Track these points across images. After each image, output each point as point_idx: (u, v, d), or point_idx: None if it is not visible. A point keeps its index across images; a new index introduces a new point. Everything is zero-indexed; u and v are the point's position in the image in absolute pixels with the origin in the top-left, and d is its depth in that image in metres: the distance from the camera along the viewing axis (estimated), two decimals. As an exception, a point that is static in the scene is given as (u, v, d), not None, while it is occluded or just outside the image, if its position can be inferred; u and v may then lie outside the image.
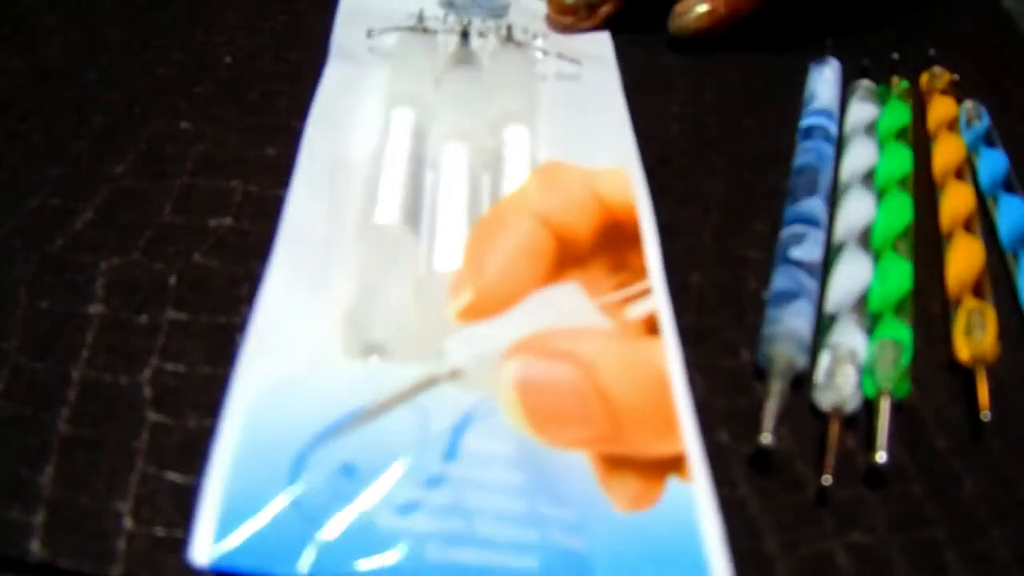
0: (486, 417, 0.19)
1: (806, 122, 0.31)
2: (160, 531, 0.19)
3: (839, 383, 0.22)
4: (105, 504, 0.20)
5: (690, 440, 0.19)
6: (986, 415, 0.22)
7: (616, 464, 0.18)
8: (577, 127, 0.30)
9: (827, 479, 0.20)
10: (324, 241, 0.24)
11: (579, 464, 0.18)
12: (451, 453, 0.18)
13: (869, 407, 0.22)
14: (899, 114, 0.31)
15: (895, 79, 0.33)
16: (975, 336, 0.23)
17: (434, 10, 0.36)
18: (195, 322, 0.24)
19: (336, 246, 0.24)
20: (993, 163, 0.29)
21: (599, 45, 0.35)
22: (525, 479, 0.18)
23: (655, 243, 0.24)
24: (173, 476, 0.20)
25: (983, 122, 0.31)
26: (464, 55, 0.32)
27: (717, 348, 0.24)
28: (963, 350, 0.23)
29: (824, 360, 0.22)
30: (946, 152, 0.30)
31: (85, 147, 0.29)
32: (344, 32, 0.34)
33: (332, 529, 0.17)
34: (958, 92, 0.33)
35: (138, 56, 0.33)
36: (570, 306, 0.21)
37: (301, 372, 0.19)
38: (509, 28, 0.35)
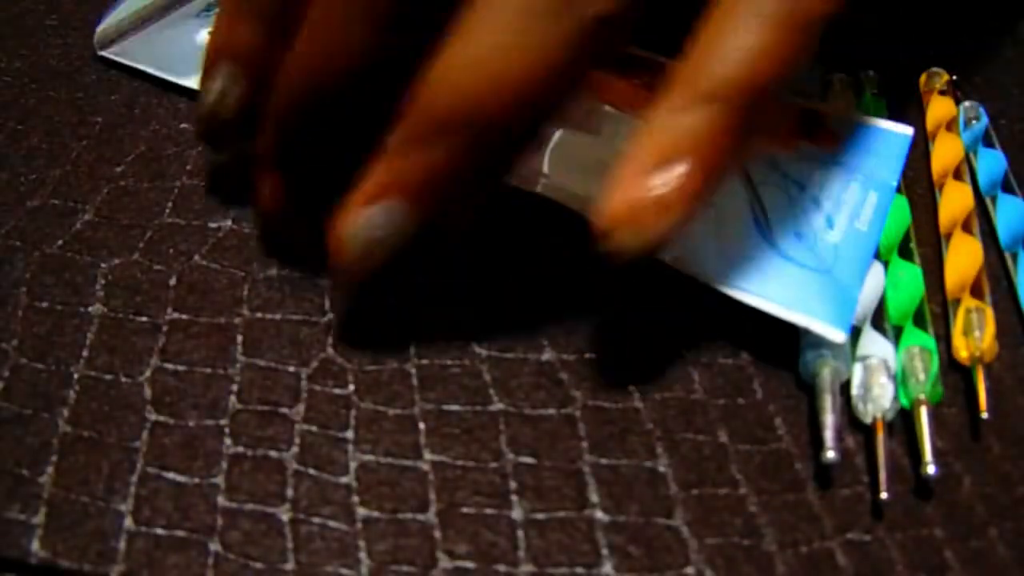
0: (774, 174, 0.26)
1: None
2: (160, 531, 0.19)
3: (876, 395, 0.22)
4: (105, 504, 0.20)
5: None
6: (984, 415, 0.22)
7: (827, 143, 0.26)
8: None
9: (884, 495, 0.20)
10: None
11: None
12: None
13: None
14: (875, 114, 0.31)
15: (863, 74, 0.32)
16: (973, 336, 0.23)
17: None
18: (195, 322, 0.24)
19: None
20: (992, 163, 0.29)
21: None
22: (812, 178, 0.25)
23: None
24: (173, 476, 0.20)
25: (982, 122, 0.31)
26: None
27: (717, 347, 0.24)
28: (961, 350, 0.23)
29: (857, 373, 0.22)
30: (944, 152, 0.30)
31: (85, 147, 0.29)
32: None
33: (829, 281, 0.23)
34: (957, 92, 0.33)
35: (138, 56, 0.33)
36: None
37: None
38: None
